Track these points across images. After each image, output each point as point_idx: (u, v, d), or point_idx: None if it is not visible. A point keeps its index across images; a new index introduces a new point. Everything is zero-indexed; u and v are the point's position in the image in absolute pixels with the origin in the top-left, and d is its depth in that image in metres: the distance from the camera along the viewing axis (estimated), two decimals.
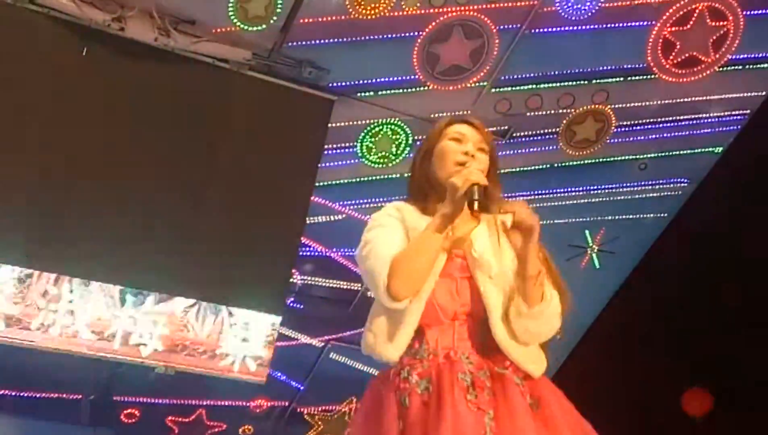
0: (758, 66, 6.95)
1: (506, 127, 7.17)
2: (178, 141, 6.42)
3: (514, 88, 6.94)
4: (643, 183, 7.71)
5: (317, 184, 7.24)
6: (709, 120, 7.24)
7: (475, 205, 2.64)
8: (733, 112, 7.23)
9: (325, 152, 7.13)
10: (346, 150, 7.15)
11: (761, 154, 7.24)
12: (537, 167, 7.47)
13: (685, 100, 7.11)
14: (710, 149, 7.47)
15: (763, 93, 7.07)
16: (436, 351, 2.67)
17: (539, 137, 7.28)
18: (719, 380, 8.42)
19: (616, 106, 7.14)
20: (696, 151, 7.45)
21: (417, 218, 2.79)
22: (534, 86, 6.95)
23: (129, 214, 6.41)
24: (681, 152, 7.44)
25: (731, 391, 8.45)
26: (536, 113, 7.10)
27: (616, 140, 7.33)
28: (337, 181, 7.36)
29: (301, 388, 8.44)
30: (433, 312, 2.73)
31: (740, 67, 6.95)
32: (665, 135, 7.31)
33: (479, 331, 2.72)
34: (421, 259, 2.64)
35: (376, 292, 2.64)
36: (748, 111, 7.18)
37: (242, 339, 7.16)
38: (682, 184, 7.80)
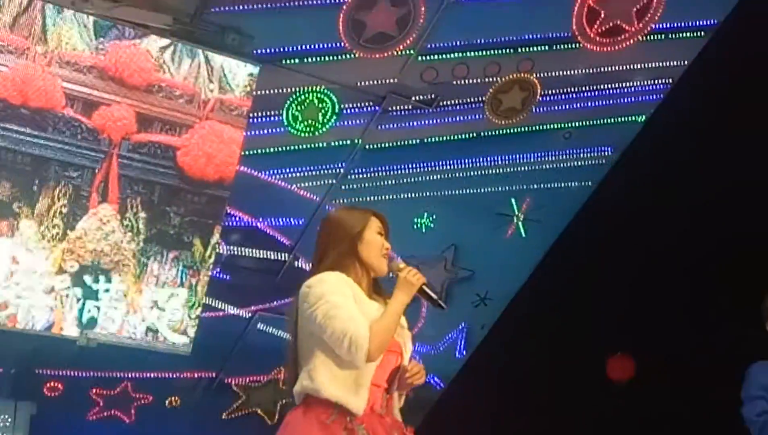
0: (681, 35, 7.04)
1: (433, 96, 7.17)
2: None
3: (440, 57, 6.93)
4: (568, 152, 7.78)
5: (243, 153, 7.17)
6: (633, 89, 7.32)
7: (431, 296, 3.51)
8: (656, 81, 7.31)
9: (251, 120, 7.06)
10: (272, 118, 7.08)
11: (683, 122, 7.33)
12: (463, 136, 7.49)
13: (610, 69, 7.17)
14: (634, 118, 7.56)
15: (685, 62, 7.16)
16: (373, 407, 3.37)
17: (465, 106, 7.29)
18: (642, 346, 8.57)
19: (542, 74, 7.18)
20: (620, 119, 7.52)
21: (358, 291, 3.38)
22: (460, 54, 6.94)
23: None
24: (605, 121, 7.51)
25: (654, 358, 8.60)
26: (462, 82, 7.10)
27: (541, 109, 7.38)
28: (263, 150, 7.29)
29: (229, 359, 8.37)
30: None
31: (663, 37, 7.03)
32: (590, 104, 7.37)
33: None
34: (390, 333, 3.33)
35: (354, 351, 3.22)
36: (671, 80, 7.27)
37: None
38: (607, 153, 7.88)
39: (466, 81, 7.10)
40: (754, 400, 4.43)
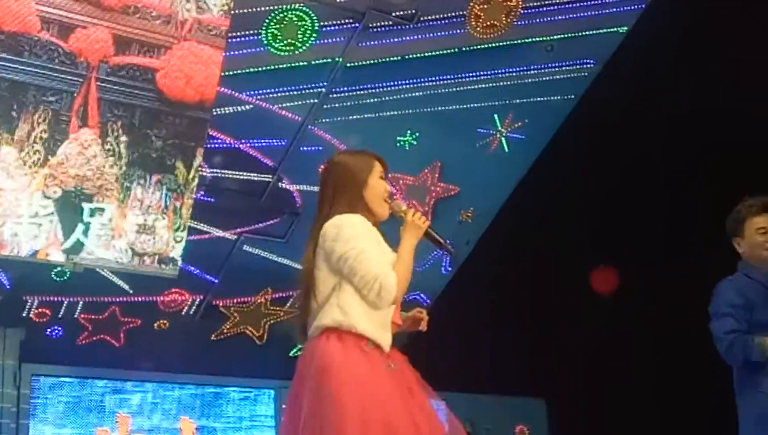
0: None
1: (413, 11, 7.09)
2: None
3: None
4: (550, 65, 7.72)
5: (223, 74, 7.10)
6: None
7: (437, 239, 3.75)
8: None
9: (230, 40, 6.97)
10: (251, 38, 6.99)
11: (663, 34, 7.29)
12: (444, 52, 7.42)
13: None
14: (615, 29, 7.50)
15: None
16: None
17: (446, 21, 7.21)
18: (625, 259, 8.64)
19: None
20: (601, 31, 7.47)
21: (377, 234, 3.55)
22: None
23: None
24: (587, 33, 7.45)
25: (637, 270, 8.68)
26: None
27: (523, 22, 7.30)
28: (243, 71, 7.22)
29: (216, 281, 8.40)
30: None
31: None
32: (571, 15, 7.29)
33: None
34: (409, 276, 3.53)
35: (384, 295, 3.39)
36: None
37: None
38: (589, 66, 7.83)
39: None
40: (722, 317, 4.44)
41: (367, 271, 3.39)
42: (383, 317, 3.47)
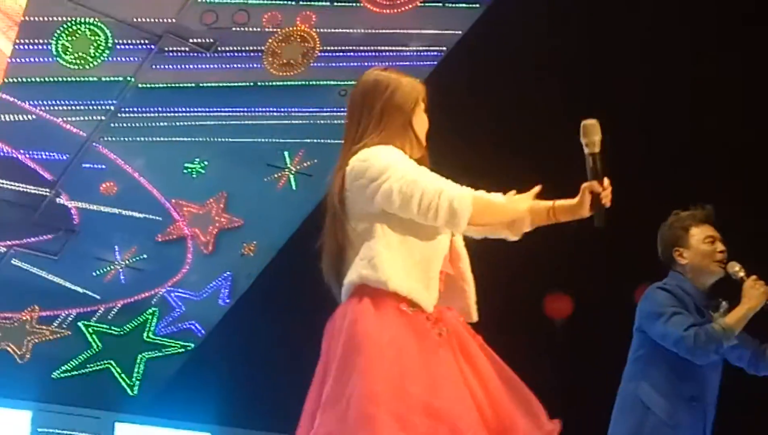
0: (456, 5, 7.22)
1: (211, 40, 7.07)
2: None
3: (221, 0, 6.84)
4: (342, 109, 7.85)
5: (7, 81, 6.84)
6: (408, 54, 7.48)
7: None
8: (431, 48, 7.50)
9: (18, 47, 6.74)
10: (40, 47, 6.78)
11: (454, 90, 7.59)
12: (240, 84, 7.44)
13: (387, 31, 7.30)
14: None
15: (460, 31, 7.38)
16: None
17: (244, 54, 7.24)
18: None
19: (322, 30, 7.22)
20: None
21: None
22: (242, 1, 6.88)
23: None
24: None
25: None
26: (242, 29, 7.04)
27: (319, 64, 7.43)
28: (29, 79, 6.98)
29: None
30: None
31: (440, 5, 7.20)
32: (366, 64, 7.47)
33: None
34: (496, 217, 2.89)
35: (457, 209, 2.74)
36: (445, 48, 7.48)
37: None
38: None
39: (247, 28, 7.05)
40: (672, 316, 4.06)
41: (425, 187, 2.74)
42: (425, 270, 2.82)
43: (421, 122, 3.02)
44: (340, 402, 2.64)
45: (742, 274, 4.17)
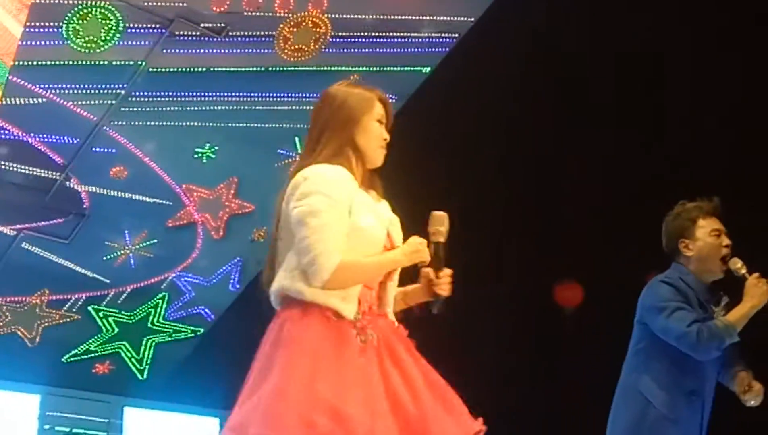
0: None
1: (222, 25, 7.04)
2: None
3: None
4: None
5: (16, 63, 6.83)
6: (420, 40, 7.43)
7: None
8: (443, 35, 7.45)
9: (28, 30, 6.72)
10: (51, 30, 6.76)
11: (465, 77, 7.56)
12: (251, 69, 7.41)
13: (399, 17, 7.25)
14: (419, 68, 7.70)
15: (472, 19, 7.33)
16: (371, 307, 3.03)
17: (255, 39, 7.21)
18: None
19: (334, 15, 7.18)
20: (405, 68, 7.65)
21: (363, 195, 3.05)
22: None
23: None
24: (391, 68, 7.60)
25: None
26: (254, 13, 7.01)
27: (331, 50, 7.39)
28: (39, 62, 6.97)
29: None
30: None
31: None
32: (378, 50, 7.44)
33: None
34: (366, 278, 3.01)
35: (313, 272, 2.88)
36: (457, 35, 7.43)
37: None
38: (391, 101, 7.98)
39: (258, 13, 7.01)
40: (675, 311, 4.04)
41: (308, 236, 2.90)
42: None
43: (370, 135, 3.14)
44: (254, 396, 2.85)
45: (744, 271, 4.14)
